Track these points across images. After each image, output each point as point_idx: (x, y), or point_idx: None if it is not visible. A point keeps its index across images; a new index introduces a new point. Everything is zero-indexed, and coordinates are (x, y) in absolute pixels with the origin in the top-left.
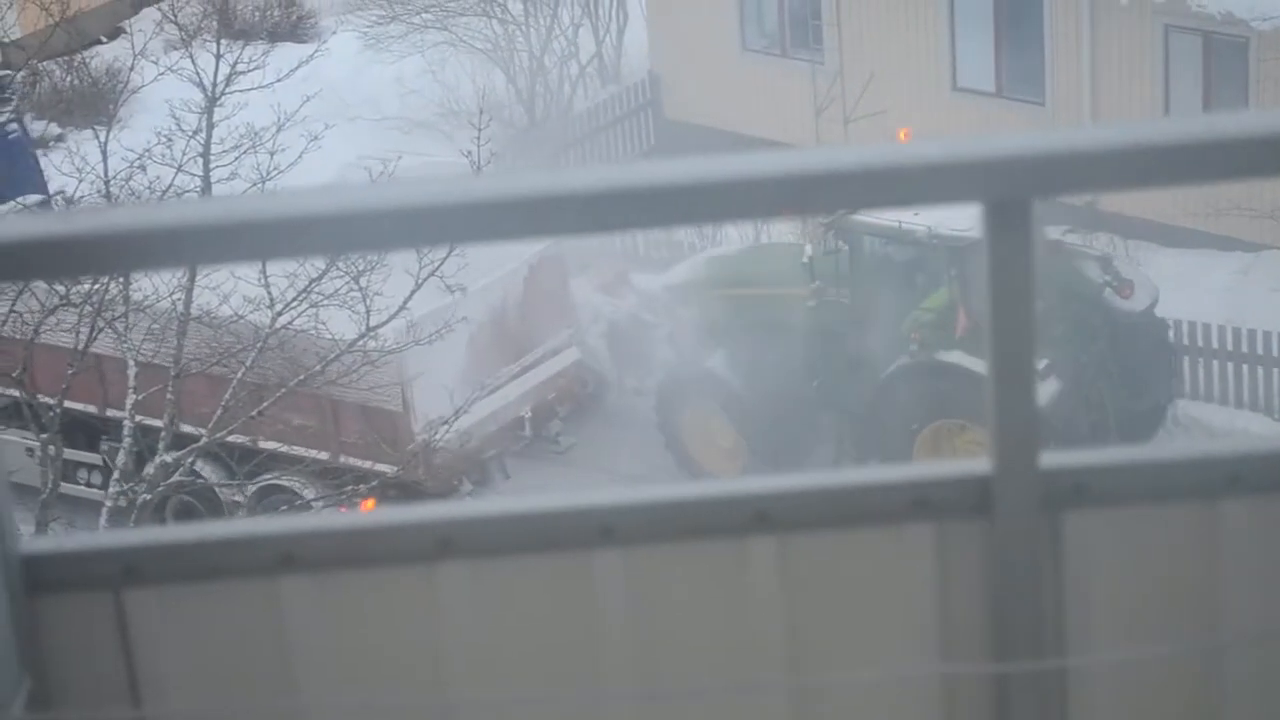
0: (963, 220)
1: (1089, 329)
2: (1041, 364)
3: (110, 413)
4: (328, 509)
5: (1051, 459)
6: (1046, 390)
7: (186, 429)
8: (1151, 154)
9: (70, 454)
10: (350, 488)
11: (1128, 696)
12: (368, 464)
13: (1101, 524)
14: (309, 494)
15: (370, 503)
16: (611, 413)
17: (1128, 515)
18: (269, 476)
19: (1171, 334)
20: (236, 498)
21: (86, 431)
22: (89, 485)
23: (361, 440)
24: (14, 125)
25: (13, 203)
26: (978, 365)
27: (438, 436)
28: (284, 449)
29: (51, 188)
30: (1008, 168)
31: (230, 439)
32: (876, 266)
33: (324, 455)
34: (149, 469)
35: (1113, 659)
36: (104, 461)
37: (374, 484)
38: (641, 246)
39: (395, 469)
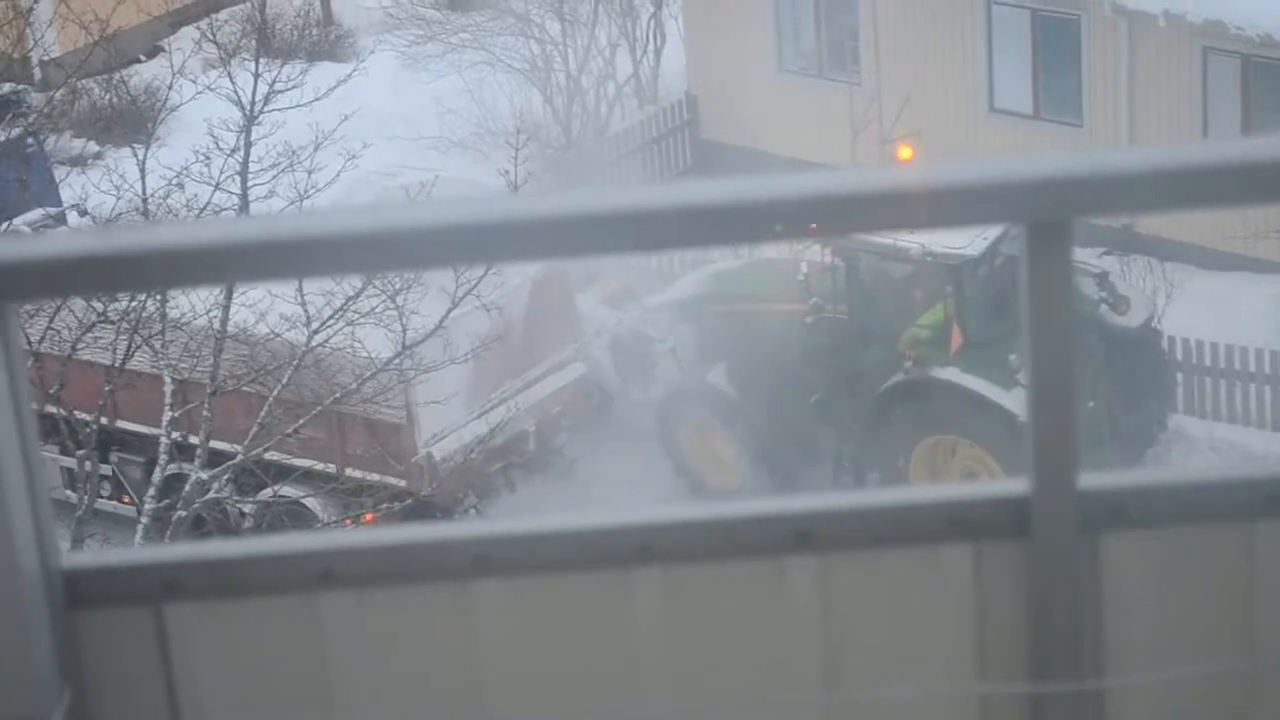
0: (957, 239)
1: (1084, 345)
2: None
3: (121, 424)
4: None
5: (1090, 480)
6: None
7: (199, 442)
8: (1192, 176)
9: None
10: (384, 506)
11: (1165, 717)
12: (373, 476)
13: (1139, 545)
14: (315, 506)
15: (370, 517)
16: (616, 426)
17: (1166, 537)
18: (298, 493)
19: (1167, 349)
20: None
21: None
22: (99, 496)
23: (366, 453)
24: (31, 140)
25: (38, 211)
26: (971, 382)
27: (440, 450)
28: (290, 461)
29: (70, 200)
30: (1048, 188)
31: (228, 449)
32: (872, 283)
33: (330, 468)
34: (156, 477)
35: (1150, 680)
36: (114, 473)
37: (407, 502)
38: (647, 260)
39: (400, 482)
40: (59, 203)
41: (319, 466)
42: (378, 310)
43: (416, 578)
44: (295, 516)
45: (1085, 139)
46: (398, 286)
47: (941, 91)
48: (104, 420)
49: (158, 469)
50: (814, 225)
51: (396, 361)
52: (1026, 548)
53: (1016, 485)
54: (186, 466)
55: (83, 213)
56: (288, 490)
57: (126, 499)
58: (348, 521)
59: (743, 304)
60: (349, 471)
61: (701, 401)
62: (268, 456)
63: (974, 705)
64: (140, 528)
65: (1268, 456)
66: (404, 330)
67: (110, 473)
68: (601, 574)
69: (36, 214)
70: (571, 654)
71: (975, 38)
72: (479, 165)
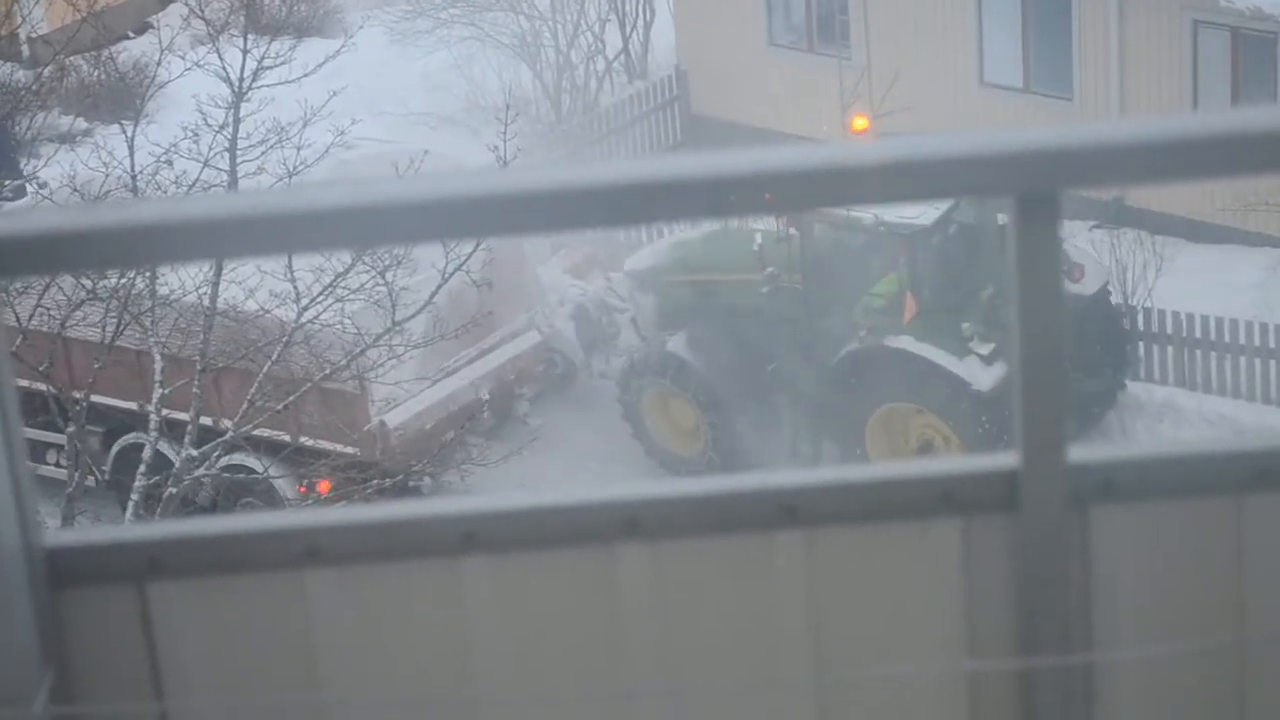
0: (910, 209)
1: None
2: (988, 349)
3: (77, 394)
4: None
5: (1079, 453)
6: (994, 374)
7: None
8: (1181, 148)
9: (38, 435)
10: (375, 483)
11: (1155, 692)
12: (327, 445)
13: (1129, 519)
14: (272, 471)
15: (327, 484)
16: (579, 395)
17: (1155, 510)
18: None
19: (1125, 317)
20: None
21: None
22: (57, 465)
23: (320, 422)
24: None
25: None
26: (925, 350)
27: (393, 418)
28: (244, 430)
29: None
30: (1037, 160)
31: (187, 418)
32: (828, 253)
33: (284, 436)
34: (146, 454)
35: (1140, 655)
36: (69, 442)
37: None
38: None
39: (354, 450)
40: (19, 174)
41: (274, 435)
42: (367, 286)
43: (403, 555)
44: (248, 485)
45: (1076, 112)
46: (387, 263)
47: (931, 65)
48: (61, 391)
49: (148, 446)
50: (805, 200)
51: (386, 337)
52: (1016, 522)
53: (1006, 459)
54: (143, 437)
55: (41, 185)
56: (248, 461)
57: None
58: (302, 489)
59: (701, 274)
60: (303, 440)
61: (662, 370)
62: (223, 425)
63: (963, 680)
64: (131, 504)
65: (1258, 429)
66: (393, 306)
67: (65, 442)
68: (588, 550)
69: None
70: (558, 630)
71: (965, 11)
72: (468, 141)
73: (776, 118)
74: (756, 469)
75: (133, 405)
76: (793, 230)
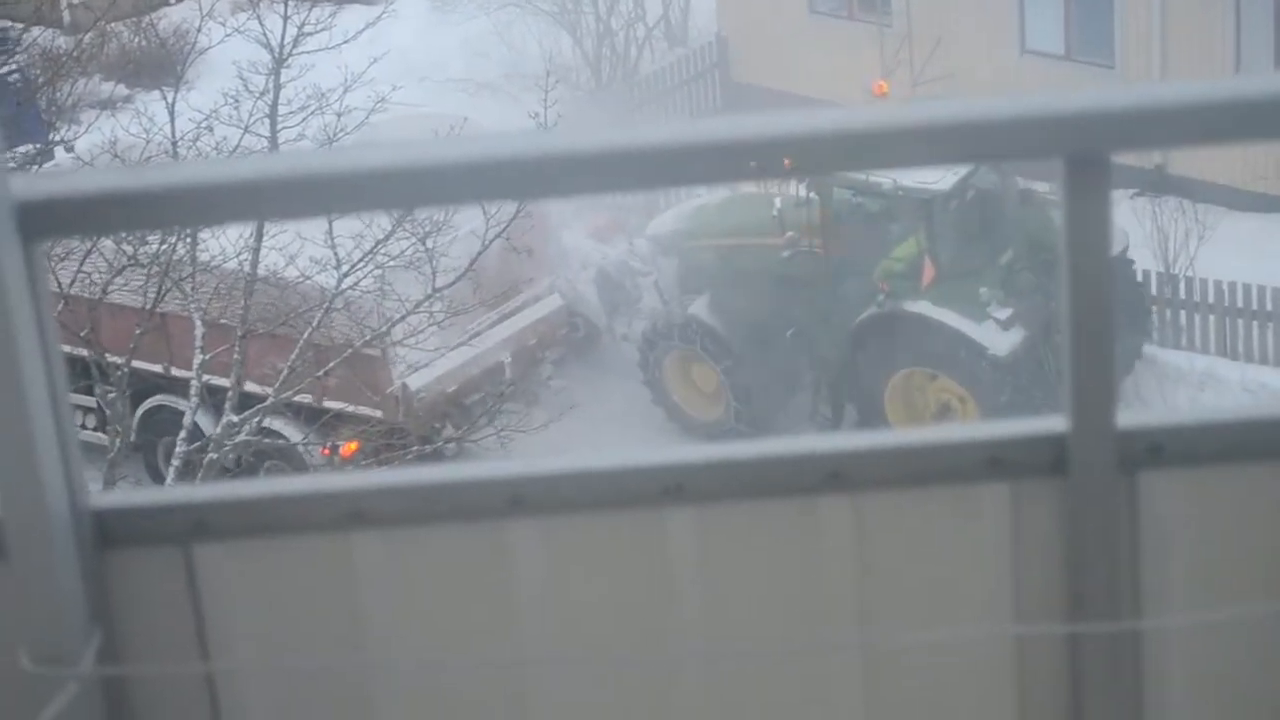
0: (930, 174)
1: (1057, 278)
2: (1006, 313)
3: (110, 358)
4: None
5: (1128, 418)
6: (1011, 338)
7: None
8: (1232, 109)
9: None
10: (416, 448)
11: (1202, 658)
12: (349, 407)
13: (1178, 484)
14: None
15: (353, 445)
16: (602, 358)
17: (1204, 475)
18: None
19: (1141, 279)
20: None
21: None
22: (83, 428)
23: (343, 384)
24: (16, 75)
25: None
26: (943, 315)
27: (415, 381)
28: (284, 395)
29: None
30: (1087, 123)
31: (215, 381)
32: (846, 218)
33: (308, 399)
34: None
35: (1188, 621)
36: (98, 405)
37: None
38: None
39: (376, 413)
40: (45, 139)
41: (298, 399)
42: (407, 253)
43: (449, 518)
44: (275, 449)
45: (1117, 80)
46: (427, 229)
47: (973, 33)
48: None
49: (188, 412)
50: (855, 160)
51: (425, 304)
52: (1064, 487)
53: (1054, 423)
54: (167, 399)
55: (69, 149)
56: (273, 424)
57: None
58: (325, 451)
59: (722, 238)
60: (326, 403)
61: (683, 333)
62: (250, 390)
63: (1010, 645)
64: (172, 470)
65: None
66: (434, 273)
67: (95, 405)
68: (634, 514)
69: (24, 149)
70: (604, 594)
71: None
72: (508, 108)
73: (817, 85)
74: (776, 432)
75: (157, 368)
76: (812, 195)
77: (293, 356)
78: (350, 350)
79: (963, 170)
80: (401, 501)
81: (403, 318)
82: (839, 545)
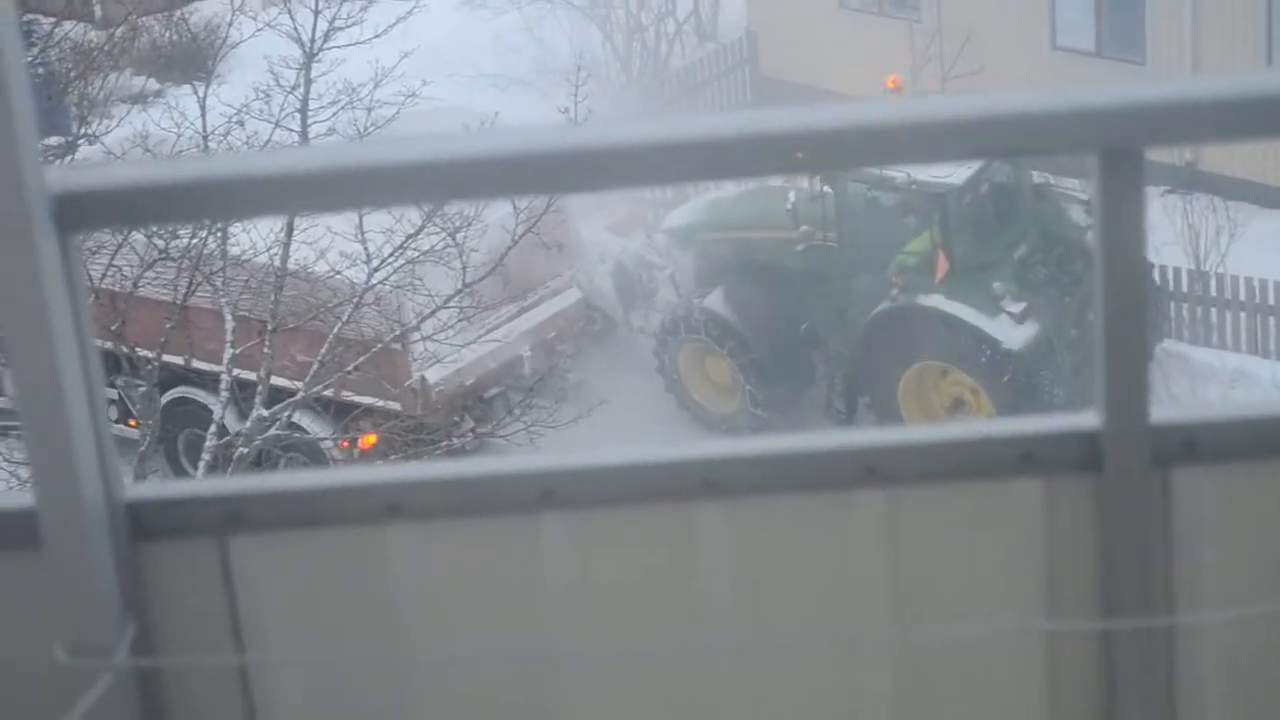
0: (943, 168)
1: (1072, 272)
2: (1020, 308)
3: (140, 352)
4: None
5: (1162, 414)
6: (1025, 333)
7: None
8: (1264, 104)
9: None
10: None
11: (1235, 654)
12: (368, 401)
13: (1212, 480)
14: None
15: (371, 439)
16: (619, 351)
17: (1238, 471)
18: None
19: (1157, 277)
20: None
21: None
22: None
23: (362, 377)
24: (41, 69)
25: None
26: (956, 309)
27: (434, 374)
28: (294, 386)
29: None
30: (1122, 117)
31: (239, 375)
32: (861, 212)
33: (328, 393)
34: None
35: (1221, 616)
36: (120, 396)
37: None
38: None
39: (395, 405)
40: (70, 131)
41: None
42: (436, 248)
43: (483, 511)
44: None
45: (1148, 77)
46: (457, 224)
47: (1003, 29)
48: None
49: (218, 407)
50: (890, 154)
51: (456, 299)
52: (1097, 482)
53: (1088, 419)
54: (188, 391)
55: (92, 141)
56: (295, 418)
57: (132, 422)
58: (345, 444)
59: (737, 231)
60: (345, 395)
61: (698, 326)
62: (275, 384)
63: (1042, 641)
64: (202, 464)
65: None
66: (464, 268)
67: (117, 396)
68: (666, 508)
69: (51, 141)
70: (636, 588)
71: None
72: (538, 103)
73: (847, 80)
74: (789, 425)
75: (179, 360)
76: (826, 189)
77: (322, 351)
78: (380, 345)
79: (976, 164)
80: (435, 495)
81: (433, 313)
82: (872, 540)
